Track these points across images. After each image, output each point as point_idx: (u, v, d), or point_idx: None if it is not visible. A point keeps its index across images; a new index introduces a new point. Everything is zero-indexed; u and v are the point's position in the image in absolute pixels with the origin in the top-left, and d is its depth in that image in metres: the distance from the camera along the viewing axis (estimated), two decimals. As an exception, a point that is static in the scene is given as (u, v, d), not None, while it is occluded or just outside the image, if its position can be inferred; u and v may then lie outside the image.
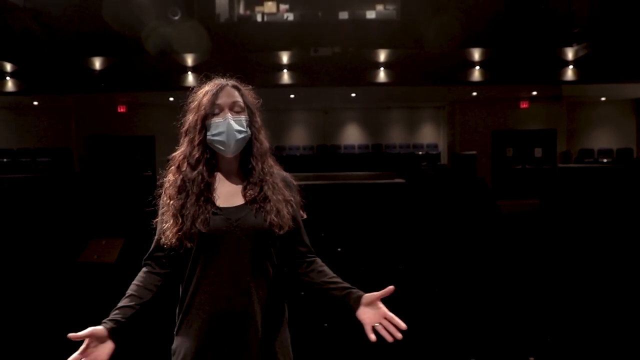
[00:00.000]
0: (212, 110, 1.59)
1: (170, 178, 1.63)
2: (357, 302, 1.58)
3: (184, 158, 1.62)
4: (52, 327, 4.16)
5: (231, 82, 1.65)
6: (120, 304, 1.56)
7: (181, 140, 1.66)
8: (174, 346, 1.61)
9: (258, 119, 1.68)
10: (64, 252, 5.43)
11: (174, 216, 1.56)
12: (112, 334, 1.50)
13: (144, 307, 1.58)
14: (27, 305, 4.54)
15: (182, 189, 1.59)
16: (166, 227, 1.57)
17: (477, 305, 4.54)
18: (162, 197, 1.64)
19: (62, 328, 4.27)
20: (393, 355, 3.65)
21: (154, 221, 1.65)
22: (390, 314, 1.56)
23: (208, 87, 1.63)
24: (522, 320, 4.20)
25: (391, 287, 1.54)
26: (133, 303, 1.56)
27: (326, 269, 1.67)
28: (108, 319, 1.53)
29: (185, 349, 1.57)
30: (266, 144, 1.67)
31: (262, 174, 1.61)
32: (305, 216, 1.72)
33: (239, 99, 1.63)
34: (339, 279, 1.64)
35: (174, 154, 1.66)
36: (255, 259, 1.56)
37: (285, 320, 1.66)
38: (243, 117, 1.61)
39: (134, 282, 1.61)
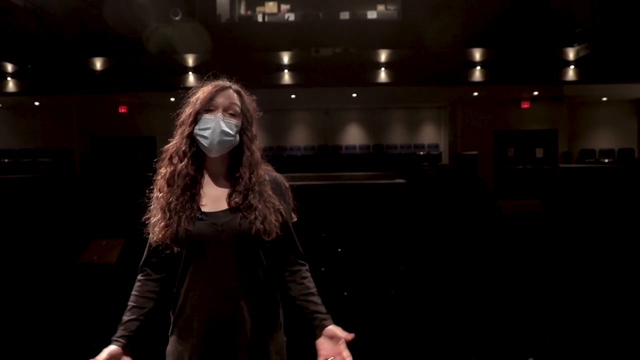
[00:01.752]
0: (207, 106, 1.59)
1: (161, 171, 1.63)
2: (320, 330, 1.57)
3: (175, 150, 1.62)
4: (52, 327, 4.16)
5: (235, 85, 1.65)
6: (124, 319, 1.59)
7: (175, 132, 1.65)
8: (168, 349, 1.63)
9: (253, 129, 1.65)
10: (64, 252, 5.43)
11: (162, 210, 1.56)
12: (126, 350, 1.55)
13: (148, 315, 1.61)
14: (27, 306, 4.54)
15: (171, 182, 1.59)
16: (154, 220, 1.58)
17: (477, 305, 4.53)
18: (153, 190, 1.64)
19: (63, 329, 4.27)
20: (394, 355, 3.65)
21: (145, 217, 1.64)
22: (346, 354, 1.52)
23: (210, 86, 1.62)
24: (522, 321, 4.19)
25: (352, 335, 1.54)
26: (136, 315, 1.59)
27: (307, 282, 1.64)
28: (118, 335, 1.56)
29: (177, 352, 1.58)
30: (258, 154, 1.64)
31: (249, 183, 1.59)
32: (296, 219, 1.70)
33: (237, 103, 1.62)
34: (313, 298, 1.61)
35: (166, 147, 1.66)
36: (241, 263, 1.55)
37: (279, 324, 1.65)
38: (234, 122, 1.60)
39: (133, 292, 1.63)
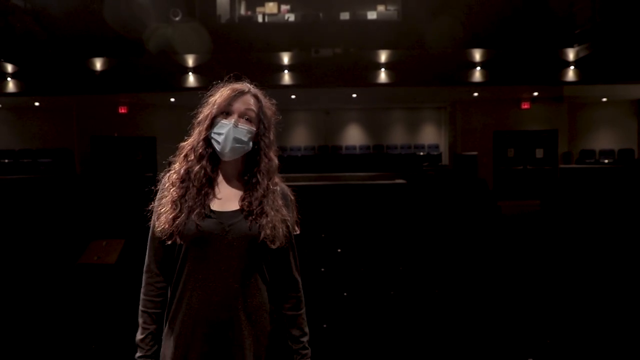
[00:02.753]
0: (223, 110, 1.60)
1: (176, 166, 1.64)
2: None
3: (191, 149, 1.63)
4: (52, 328, 4.16)
5: (253, 89, 1.65)
6: (143, 325, 1.60)
7: (193, 130, 1.66)
8: (162, 351, 1.61)
9: (271, 135, 1.66)
10: (64, 253, 5.43)
11: (173, 202, 1.57)
12: None
13: (161, 317, 1.61)
14: (27, 307, 4.54)
15: (185, 178, 1.60)
16: (162, 211, 1.57)
17: (477, 306, 4.53)
18: (163, 182, 1.64)
19: (63, 329, 4.28)
20: (393, 356, 3.65)
21: (151, 205, 1.64)
22: None
23: (228, 90, 1.62)
24: (521, 321, 4.19)
25: None
26: (154, 325, 1.60)
27: (292, 318, 1.66)
28: (146, 354, 1.59)
29: (171, 353, 1.57)
30: (275, 161, 1.65)
31: (266, 190, 1.60)
32: (298, 231, 1.70)
33: (254, 109, 1.62)
34: (300, 333, 1.66)
35: (183, 143, 1.67)
36: (245, 266, 1.55)
37: (269, 331, 1.63)
38: (247, 128, 1.60)
39: (144, 296, 1.61)
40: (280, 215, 1.60)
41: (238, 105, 1.60)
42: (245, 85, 1.64)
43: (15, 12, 9.95)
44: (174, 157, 1.67)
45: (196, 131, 1.64)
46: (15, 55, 10.75)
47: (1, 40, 10.01)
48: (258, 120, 1.62)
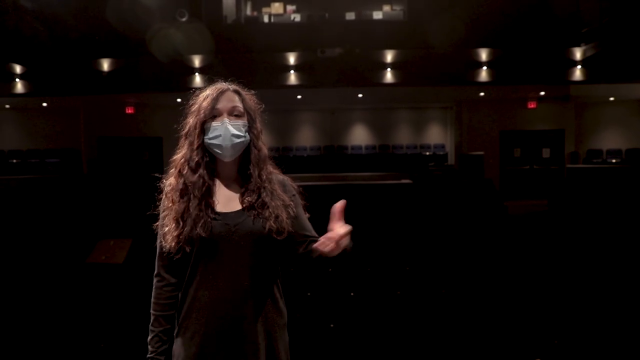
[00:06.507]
0: (211, 114, 1.60)
1: (172, 182, 1.64)
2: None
3: (184, 161, 1.63)
4: (61, 327, 4.19)
5: (232, 86, 1.66)
6: (151, 327, 1.62)
7: (181, 143, 1.66)
8: (174, 349, 1.63)
9: (258, 125, 1.67)
10: (72, 252, 5.46)
11: (175, 220, 1.57)
12: None
13: (172, 320, 1.63)
14: (35, 306, 4.57)
15: (184, 192, 1.59)
16: (167, 230, 1.58)
17: (484, 306, 4.53)
18: (163, 201, 1.65)
19: (70, 328, 4.31)
20: (400, 356, 3.65)
21: (155, 225, 1.65)
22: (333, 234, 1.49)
23: (209, 91, 1.63)
24: (529, 321, 4.18)
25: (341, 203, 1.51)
26: (161, 327, 1.61)
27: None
28: (152, 354, 1.60)
29: (184, 352, 1.59)
30: (265, 150, 1.67)
31: (260, 181, 1.61)
32: (308, 216, 1.71)
33: (239, 104, 1.63)
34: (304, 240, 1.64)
35: (174, 157, 1.67)
36: (253, 263, 1.57)
37: (284, 324, 1.66)
38: (241, 122, 1.61)
39: (154, 299, 1.63)
40: (280, 202, 1.61)
41: (224, 104, 1.61)
42: (223, 84, 1.65)
43: (23, 13, 10.01)
44: (166, 173, 1.67)
45: (186, 142, 1.64)
46: (23, 56, 10.82)
47: (9, 41, 10.08)
48: (245, 113, 1.64)
